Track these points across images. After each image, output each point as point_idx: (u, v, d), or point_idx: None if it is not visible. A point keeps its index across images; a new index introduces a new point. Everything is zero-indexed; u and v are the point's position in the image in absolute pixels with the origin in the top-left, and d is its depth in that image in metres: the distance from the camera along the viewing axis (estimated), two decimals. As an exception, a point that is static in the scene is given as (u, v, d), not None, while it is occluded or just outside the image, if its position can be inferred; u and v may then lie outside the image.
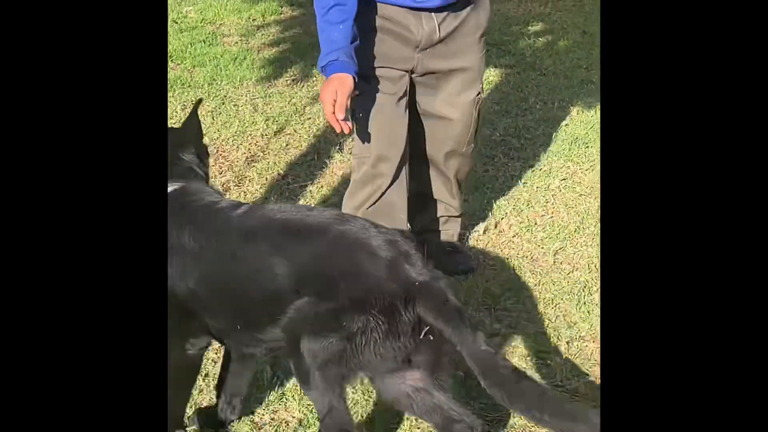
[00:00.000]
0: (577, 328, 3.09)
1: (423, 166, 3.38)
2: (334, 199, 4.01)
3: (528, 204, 3.96)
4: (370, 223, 2.31)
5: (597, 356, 2.93)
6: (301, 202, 4.00)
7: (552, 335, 3.05)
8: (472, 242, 3.67)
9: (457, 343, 2.14)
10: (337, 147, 4.52)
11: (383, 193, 3.18)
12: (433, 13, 3.09)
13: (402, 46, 3.10)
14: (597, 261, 3.49)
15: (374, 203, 3.19)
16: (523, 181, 4.18)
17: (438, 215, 3.51)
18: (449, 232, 3.54)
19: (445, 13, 3.11)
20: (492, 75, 5.47)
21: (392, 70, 3.11)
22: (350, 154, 4.46)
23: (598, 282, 3.35)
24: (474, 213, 3.89)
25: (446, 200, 3.47)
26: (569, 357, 2.94)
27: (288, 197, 4.04)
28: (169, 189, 2.44)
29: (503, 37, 6.15)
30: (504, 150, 4.52)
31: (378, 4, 3.07)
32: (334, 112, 2.83)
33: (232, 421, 2.66)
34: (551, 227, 3.78)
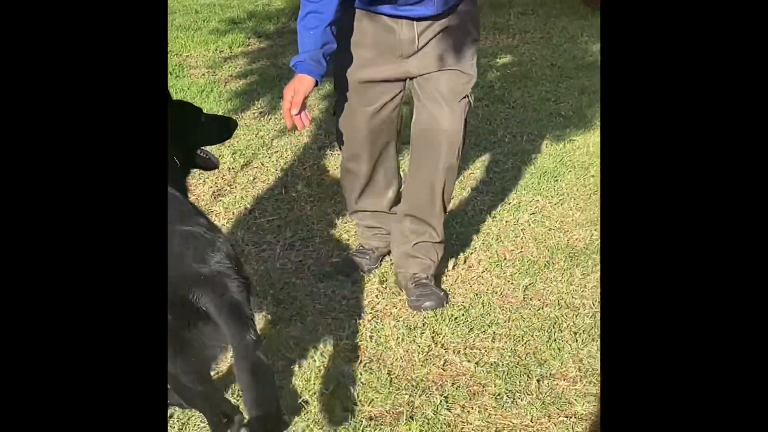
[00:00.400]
0: (547, 365, 3.06)
1: (416, 183, 3.45)
2: (303, 233, 3.96)
3: (497, 239, 3.93)
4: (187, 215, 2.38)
5: (568, 395, 2.90)
6: (269, 237, 3.95)
7: (522, 373, 3.01)
8: (440, 278, 3.63)
9: (228, 336, 2.21)
10: (305, 181, 4.48)
11: (360, 193, 3.56)
12: (414, 22, 3.20)
13: (383, 53, 3.25)
14: (567, 297, 3.47)
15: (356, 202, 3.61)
16: (492, 215, 4.16)
17: (418, 240, 3.52)
18: (426, 262, 3.53)
19: (426, 23, 3.21)
20: (460, 108, 5.46)
21: (375, 77, 3.29)
22: (318, 187, 4.43)
23: (569, 318, 3.32)
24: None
25: (431, 222, 3.49)
26: (540, 396, 2.90)
27: (255, 232, 3.99)
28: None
29: (472, 70, 6.14)
30: (472, 183, 4.49)
31: (358, 12, 3.21)
32: (289, 108, 3.09)
33: None
34: (521, 262, 3.75)
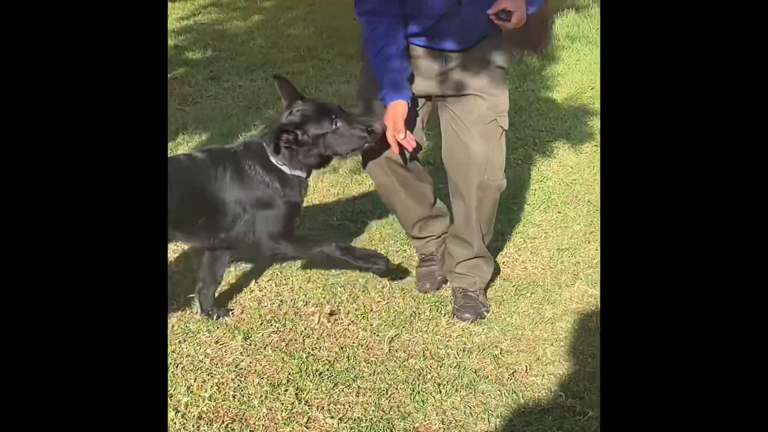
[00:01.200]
0: (411, 418, 3.05)
1: (454, 205, 3.76)
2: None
3: (364, 290, 3.93)
4: None
5: (431, 448, 2.90)
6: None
7: (385, 428, 2.99)
8: (306, 331, 3.60)
9: None
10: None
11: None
12: (443, 53, 3.52)
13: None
14: (432, 347, 3.47)
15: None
16: (359, 266, 4.15)
17: (461, 259, 3.82)
18: (471, 279, 3.82)
19: (454, 54, 3.52)
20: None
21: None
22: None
23: (433, 369, 3.33)
24: (309, 301, 3.84)
25: (471, 241, 3.75)
26: (403, 450, 2.89)
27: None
28: None
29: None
30: (339, 234, 4.49)
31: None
32: (394, 136, 3.40)
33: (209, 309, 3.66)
34: (387, 313, 3.75)
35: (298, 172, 3.54)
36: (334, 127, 3.49)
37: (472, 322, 3.67)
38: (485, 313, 3.73)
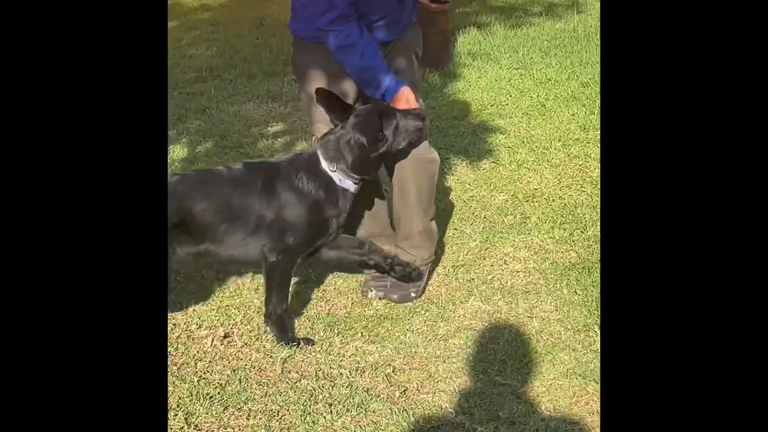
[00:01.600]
0: (301, 440, 3.04)
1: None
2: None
3: (258, 311, 3.91)
4: None
5: (320, 469, 2.89)
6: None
7: (275, 451, 2.98)
8: (199, 354, 3.57)
9: None
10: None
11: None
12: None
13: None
14: (325, 367, 3.46)
15: None
16: (254, 286, 4.13)
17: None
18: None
19: (389, 45, 3.83)
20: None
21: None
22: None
23: (325, 389, 3.32)
24: (202, 323, 3.80)
25: (407, 216, 3.99)
26: (292, 472, 2.88)
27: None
28: None
29: (242, 139, 6.13)
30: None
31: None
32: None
33: None
34: (281, 334, 3.73)
35: (349, 183, 3.63)
36: (397, 122, 3.65)
37: (397, 302, 3.95)
38: (413, 297, 3.97)
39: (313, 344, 3.61)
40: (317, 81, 3.77)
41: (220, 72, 7.74)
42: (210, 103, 6.85)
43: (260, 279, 3.81)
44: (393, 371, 3.46)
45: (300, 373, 3.46)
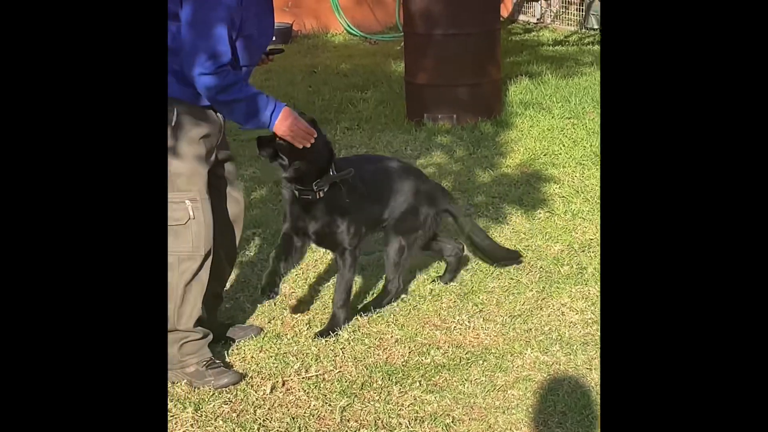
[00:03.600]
0: (362, 490, 3.03)
1: None
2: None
3: (316, 359, 3.91)
4: None
5: None
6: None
7: (336, 500, 2.97)
8: (258, 402, 3.58)
9: None
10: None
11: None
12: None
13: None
14: (384, 416, 3.46)
15: None
16: (310, 335, 4.14)
17: None
18: None
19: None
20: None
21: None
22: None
23: (384, 439, 3.32)
24: (261, 371, 3.82)
25: None
26: None
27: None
28: None
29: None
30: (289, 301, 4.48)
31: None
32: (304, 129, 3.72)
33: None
34: (339, 382, 3.74)
35: None
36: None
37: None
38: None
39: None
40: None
41: (273, 119, 7.83)
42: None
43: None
44: (452, 422, 3.44)
45: (359, 422, 3.46)
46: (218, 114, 3.68)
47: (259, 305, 4.44)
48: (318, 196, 3.99)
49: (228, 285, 4.31)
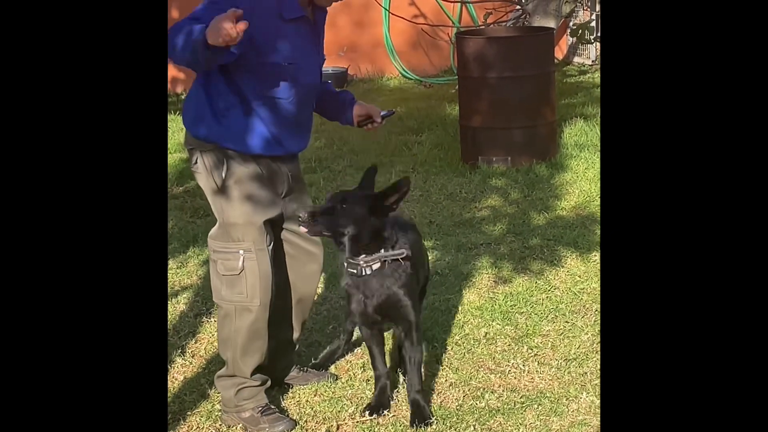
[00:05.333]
0: None
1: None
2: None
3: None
4: None
5: None
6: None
7: None
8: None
9: None
10: (179, 350, 4.42)
11: None
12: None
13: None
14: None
15: None
16: (368, 377, 4.15)
17: None
18: None
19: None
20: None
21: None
22: (192, 357, 4.37)
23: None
24: (315, 414, 3.83)
25: None
26: None
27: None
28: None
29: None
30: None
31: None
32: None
33: None
34: (394, 426, 3.74)
35: None
36: None
37: None
38: None
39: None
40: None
41: (329, 163, 7.90)
42: (320, 194, 6.97)
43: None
44: (507, 467, 3.42)
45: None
46: (281, 164, 3.70)
47: (314, 348, 4.46)
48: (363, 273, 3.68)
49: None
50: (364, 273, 3.66)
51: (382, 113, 3.95)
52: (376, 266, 3.66)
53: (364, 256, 3.65)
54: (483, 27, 10.43)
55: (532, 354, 4.34)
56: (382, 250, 3.66)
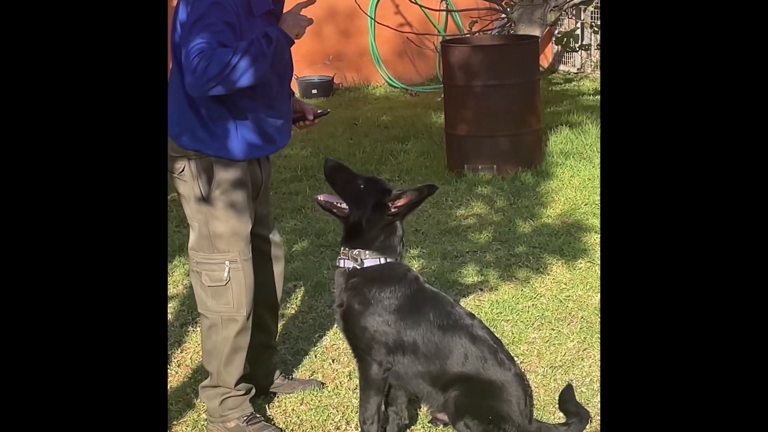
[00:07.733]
0: None
1: None
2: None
3: (357, 410, 3.92)
4: None
5: None
6: None
7: None
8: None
9: None
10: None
11: None
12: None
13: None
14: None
15: None
16: (354, 386, 4.15)
17: None
18: None
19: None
20: (325, 277, 5.47)
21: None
22: (178, 366, 4.37)
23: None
24: (301, 423, 3.82)
25: None
26: None
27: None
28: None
29: (338, 239, 6.21)
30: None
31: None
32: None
33: None
34: (380, 435, 3.74)
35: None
36: None
37: None
38: None
39: None
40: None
41: (314, 172, 7.88)
42: (305, 203, 6.97)
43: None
44: (493, 474, 3.42)
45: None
46: (260, 167, 3.71)
47: (300, 357, 4.46)
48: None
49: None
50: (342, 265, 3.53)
51: (316, 112, 3.91)
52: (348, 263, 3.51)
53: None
54: (468, 35, 10.47)
55: (518, 361, 4.33)
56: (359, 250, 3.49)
